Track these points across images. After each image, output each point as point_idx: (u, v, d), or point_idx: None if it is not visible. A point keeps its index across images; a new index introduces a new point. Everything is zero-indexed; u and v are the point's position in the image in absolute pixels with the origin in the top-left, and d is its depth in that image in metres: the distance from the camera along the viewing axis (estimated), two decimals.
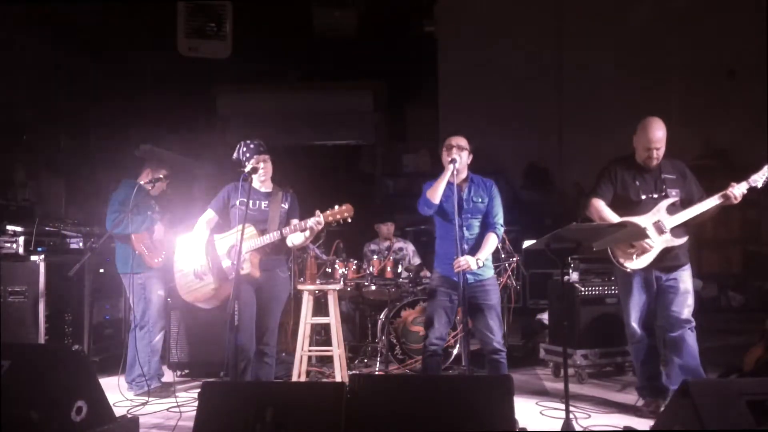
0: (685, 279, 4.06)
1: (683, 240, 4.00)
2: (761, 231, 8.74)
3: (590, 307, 5.22)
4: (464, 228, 3.89)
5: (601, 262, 5.54)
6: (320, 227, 3.82)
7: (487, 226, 3.97)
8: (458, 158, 3.85)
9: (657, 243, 3.97)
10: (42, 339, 4.89)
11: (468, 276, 3.81)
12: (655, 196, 4.04)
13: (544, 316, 6.06)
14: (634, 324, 4.11)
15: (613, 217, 4.02)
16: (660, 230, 3.97)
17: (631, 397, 4.44)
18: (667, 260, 4.01)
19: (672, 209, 4.00)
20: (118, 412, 3.51)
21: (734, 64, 8.88)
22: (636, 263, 4.01)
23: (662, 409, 3.96)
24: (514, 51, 9.63)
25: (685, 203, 4.04)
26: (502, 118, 9.41)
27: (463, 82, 9.91)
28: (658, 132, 4.01)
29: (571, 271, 5.34)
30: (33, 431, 2.75)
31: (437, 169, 4.25)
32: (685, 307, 4.03)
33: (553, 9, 9.84)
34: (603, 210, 4.07)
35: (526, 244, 6.72)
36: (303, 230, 3.82)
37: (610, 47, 9.33)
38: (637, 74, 9.16)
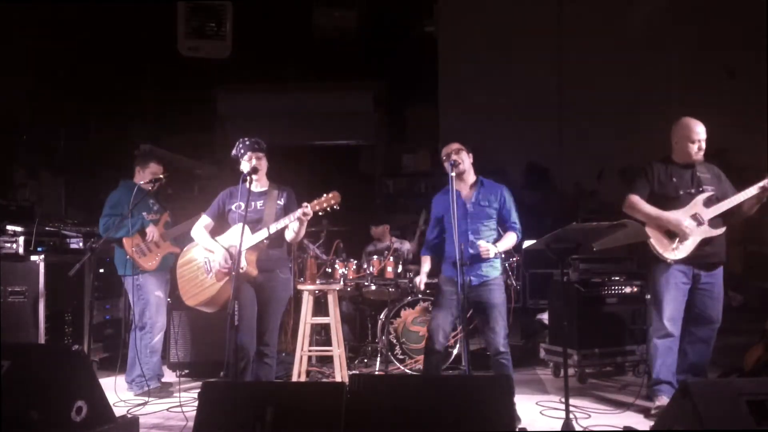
0: (721, 282, 4.17)
1: (721, 230, 4.08)
2: (761, 231, 8.72)
3: (590, 307, 5.21)
4: (469, 232, 4.04)
5: (601, 262, 5.55)
6: (306, 218, 3.80)
7: (505, 229, 4.19)
8: (459, 160, 4.04)
9: (695, 233, 4.03)
10: (42, 339, 4.89)
11: (472, 278, 3.96)
12: (692, 191, 4.13)
13: (544, 316, 6.05)
14: (666, 321, 4.10)
15: (651, 211, 4.10)
16: (698, 222, 4.04)
17: (631, 398, 4.43)
18: (707, 253, 4.07)
19: (708, 203, 4.09)
20: (118, 412, 3.50)
21: (734, 64, 8.87)
22: (676, 254, 4.05)
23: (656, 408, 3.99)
24: (514, 51, 9.61)
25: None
26: (502, 118, 9.39)
27: (463, 82, 9.89)
28: (700, 125, 4.15)
29: (571, 271, 5.34)
30: (33, 431, 2.75)
31: (437, 170, 4.29)
32: (718, 311, 4.14)
33: (554, 9, 9.83)
34: (640, 204, 4.14)
35: (526, 244, 6.67)
36: (291, 221, 3.81)
37: (611, 47, 9.31)
38: (637, 74, 9.15)
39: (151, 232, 4.80)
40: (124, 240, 4.69)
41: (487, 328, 3.99)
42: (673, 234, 4.06)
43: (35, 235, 5.09)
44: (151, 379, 4.73)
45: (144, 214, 4.81)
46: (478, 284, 3.99)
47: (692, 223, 4.04)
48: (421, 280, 4.44)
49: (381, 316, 5.61)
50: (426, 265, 4.41)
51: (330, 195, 3.81)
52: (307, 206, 3.78)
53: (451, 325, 4.12)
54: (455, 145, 4.14)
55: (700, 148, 4.15)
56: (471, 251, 3.96)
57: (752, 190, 3.99)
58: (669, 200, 4.13)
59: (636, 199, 4.16)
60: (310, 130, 10.16)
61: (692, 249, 4.04)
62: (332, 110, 10.13)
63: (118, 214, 4.67)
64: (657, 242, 4.09)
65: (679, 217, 4.04)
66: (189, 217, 4.70)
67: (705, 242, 4.05)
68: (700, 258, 4.08)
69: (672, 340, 4.11)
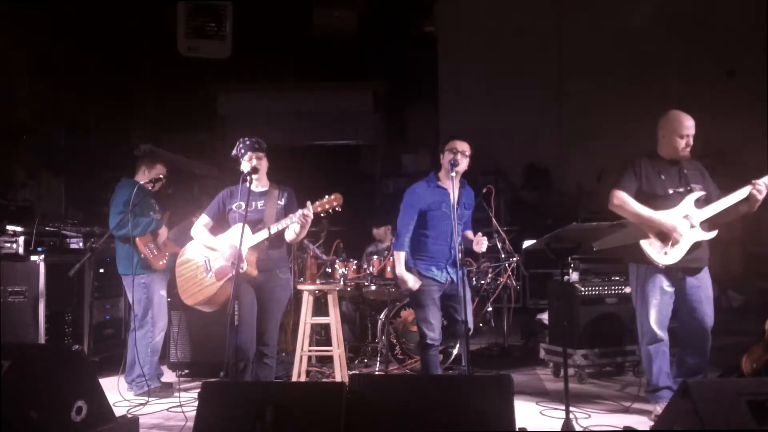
0: (708, 283, 4.04)
1: (713, 233, 3.93)
2: (761, 231, 8.72)
3: (590, 307, 5.21)
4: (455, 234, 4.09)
5: (601, 262, 5.55)
6: (308, 219, 3.76)
7: (464, 227, 4.32)
8: (460, 162, 4.06)
9: (688, 237, 3.90)
10: (42, 339, 4.89)
11: (454, 276, 4.09)
12: (681, 190, 3.97)
13: (544, 316, 6.06)
14: (654, 325, 3.99)
15: (642, 211, 3.90)
16: (690, 224, 3.91)
17: (631, 398, 4.43)
18: (693, 257, 3.94)
19: (698, 204, 3.95)
20: (118, 412, 3.50)
21: (734, 64, 8.88)
22: (668, 258, 3.90)
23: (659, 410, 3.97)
24: (514, 51, 9.63)
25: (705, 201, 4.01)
26: (502, 119, 9.40)
27: (463, 82, 9.91)
28: (690, 119, 3.98)
29: (571, 271, 5.34)
30: (33, 431, 2.75)
31: (437, 170, 4.27)
32: (709, 313, 4.01)
33: (554, 9, 9.85)
34: (629, 202, 3.92)
35: (526, 244, 6.70)
36: (292, 222, 3.79)
37: (610, 47, 9.33)
38: (636, 74, 9.16)
39: (164, 232, 4.82)
40: (138, 239, 4.69)
41: (458, 320, 4.14)
42: (664, 236, 3.90)
43: (35, 235, 5.09)
44: (151, 379, 4.73)
45: (151, 214, 4.82)
46: (456, 281, 4.12)
47: (686, 225, 3.91)
48: (414, 281, 4.13)
49: (381, 316, 5.61)
50: (403, 262, 4.15)
51: (332, 197, 3.77)
52: (308, 207, 3.75)
53: (440, 322, 4.24)
54: (466, 146, 4.09)
55: (687, 144, 3.96)
56: (455, 250, 4.04)
57: (743, 192, 3.85)
58: (657, 199, 3.95)
59: (624, 197, 3.94)
60: (310, 130, 10.17)
61: (684, 253, 3.90)
62: (332, 110, 10.15)
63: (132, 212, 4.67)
64: (648, 244, 3.92)
65: (674, 221, 3.89)
66: (189, 217, 4.70)
67: (694, 246, 3.92)
68: (686, 262, 3.93)
69: (663, 344, 4.02)
